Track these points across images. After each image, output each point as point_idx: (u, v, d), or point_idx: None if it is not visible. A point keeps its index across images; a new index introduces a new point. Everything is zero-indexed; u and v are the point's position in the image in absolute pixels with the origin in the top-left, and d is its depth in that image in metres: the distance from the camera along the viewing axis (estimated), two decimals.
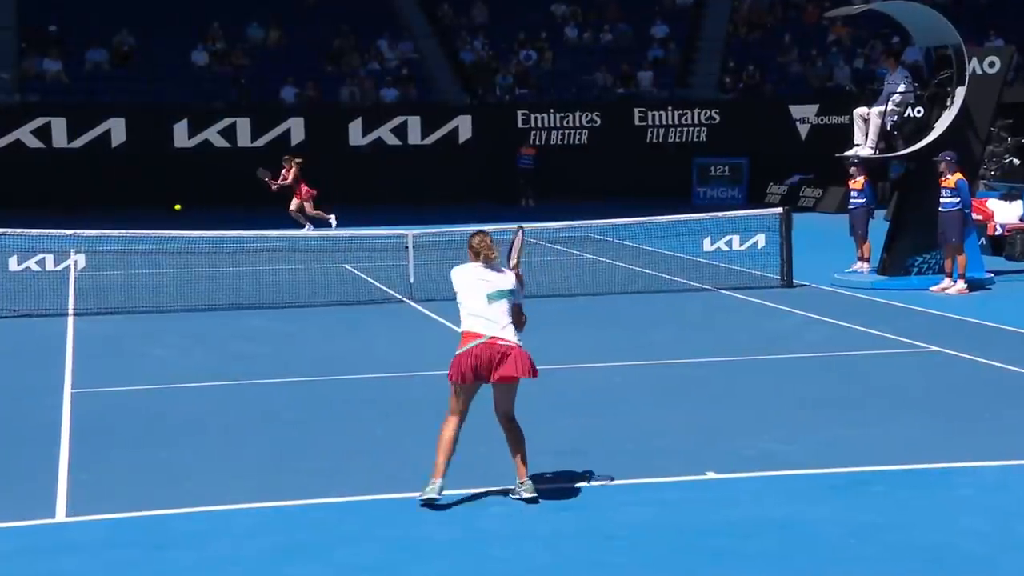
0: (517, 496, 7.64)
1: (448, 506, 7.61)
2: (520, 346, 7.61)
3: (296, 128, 31.65)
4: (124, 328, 14.64)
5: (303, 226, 24.01)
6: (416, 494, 7.60)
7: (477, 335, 7.53)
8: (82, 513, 7.63)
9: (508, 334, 7.58)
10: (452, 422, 7.65)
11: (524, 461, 7.67)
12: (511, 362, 7.52)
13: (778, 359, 12.34)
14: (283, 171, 24.78)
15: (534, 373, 7.60)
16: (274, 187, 24.63)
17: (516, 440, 7.69)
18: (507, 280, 7.69)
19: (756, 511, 7.52)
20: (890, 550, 6.82)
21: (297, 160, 24.95)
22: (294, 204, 24.57)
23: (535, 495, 7.60)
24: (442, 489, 7.54)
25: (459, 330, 7.69)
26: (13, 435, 9.67)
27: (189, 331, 14.34)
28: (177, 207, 14.62)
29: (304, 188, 24.60)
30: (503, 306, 7.61)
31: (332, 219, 24.48)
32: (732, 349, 12.82)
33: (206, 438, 9.47)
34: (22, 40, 33.06)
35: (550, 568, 6.66)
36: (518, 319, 7.71)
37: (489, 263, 7.69)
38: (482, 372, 7.54)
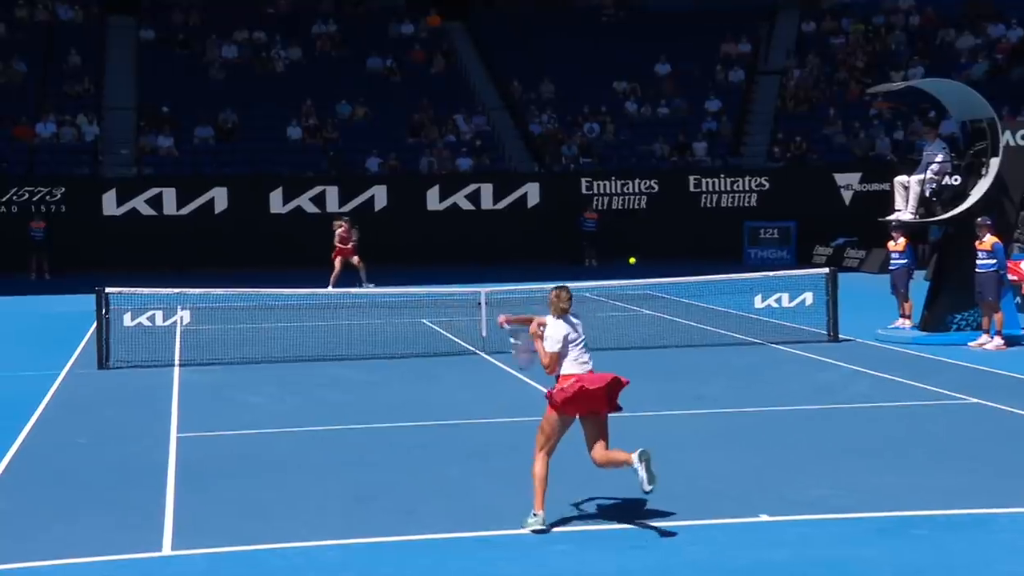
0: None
1: (519, 543, 7.57)
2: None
3: (379, 194, 32.00)
4: (224, 377, 14.84)
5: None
6: (490, 532, 7.53)
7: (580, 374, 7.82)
8: (186, 547, 7.70)
9: None
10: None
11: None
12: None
13: (826, 408, 12.16)
14: (342, 231, 23.54)
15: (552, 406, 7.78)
16: (344, 252, 23.38)
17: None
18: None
19: (805, 553, 7.38)
20: None
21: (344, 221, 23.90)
22: (355, 260, 23.31)
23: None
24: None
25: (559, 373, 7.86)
26: (126, 474, 9.82)
27: (281, 380, 14.48)
28: (632, 260, 14.83)
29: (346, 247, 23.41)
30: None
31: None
32: (782, 399, 12.66)
33: (297, 478, 9.53)
34: (140, 119, 33.96)
35: None
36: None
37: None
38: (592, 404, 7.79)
